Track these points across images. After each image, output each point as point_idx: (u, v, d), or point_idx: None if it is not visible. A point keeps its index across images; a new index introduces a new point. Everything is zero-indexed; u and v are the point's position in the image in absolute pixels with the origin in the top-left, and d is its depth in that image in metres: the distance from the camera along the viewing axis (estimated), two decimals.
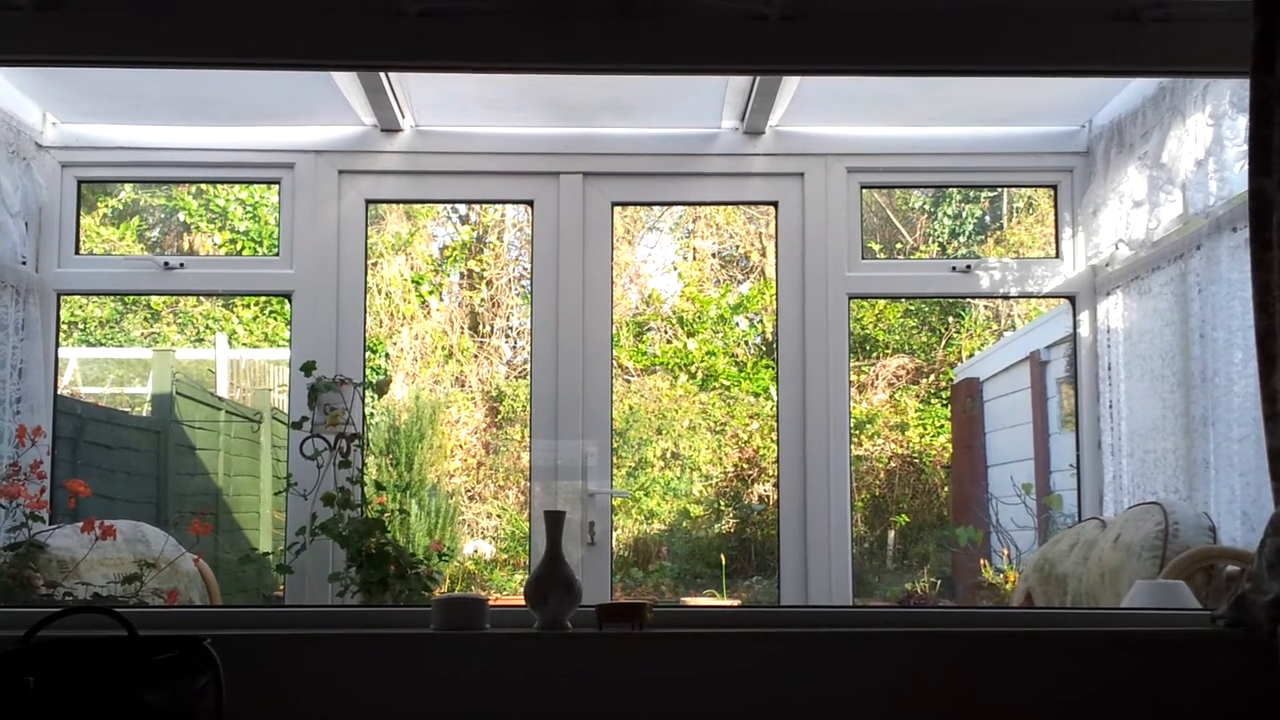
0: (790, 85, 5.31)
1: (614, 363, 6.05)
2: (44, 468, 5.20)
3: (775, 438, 5.96)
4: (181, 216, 10.01)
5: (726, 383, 9.96)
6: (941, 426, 9.71)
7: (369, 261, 6.03)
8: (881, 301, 9.82)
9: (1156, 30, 3.48)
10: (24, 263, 5.57)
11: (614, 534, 6.15)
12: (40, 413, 5.58)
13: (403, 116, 5.70)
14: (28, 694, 2.37)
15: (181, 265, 5.91)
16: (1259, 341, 3.17)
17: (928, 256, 10.18)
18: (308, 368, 5.54)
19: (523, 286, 10.23)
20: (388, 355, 9.82)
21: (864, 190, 6.00)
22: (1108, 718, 3.06)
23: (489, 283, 10.40)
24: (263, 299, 9.73)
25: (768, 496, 9.46)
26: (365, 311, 5.90)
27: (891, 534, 9.62)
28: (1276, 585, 3.05)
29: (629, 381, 9.99)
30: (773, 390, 8.96)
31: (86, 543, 4.88)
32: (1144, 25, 3.49)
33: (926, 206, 10.48)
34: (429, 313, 10.16)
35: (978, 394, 8.71)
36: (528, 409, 6.26)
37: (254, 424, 8.51)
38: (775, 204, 5.94)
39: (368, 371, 5.92)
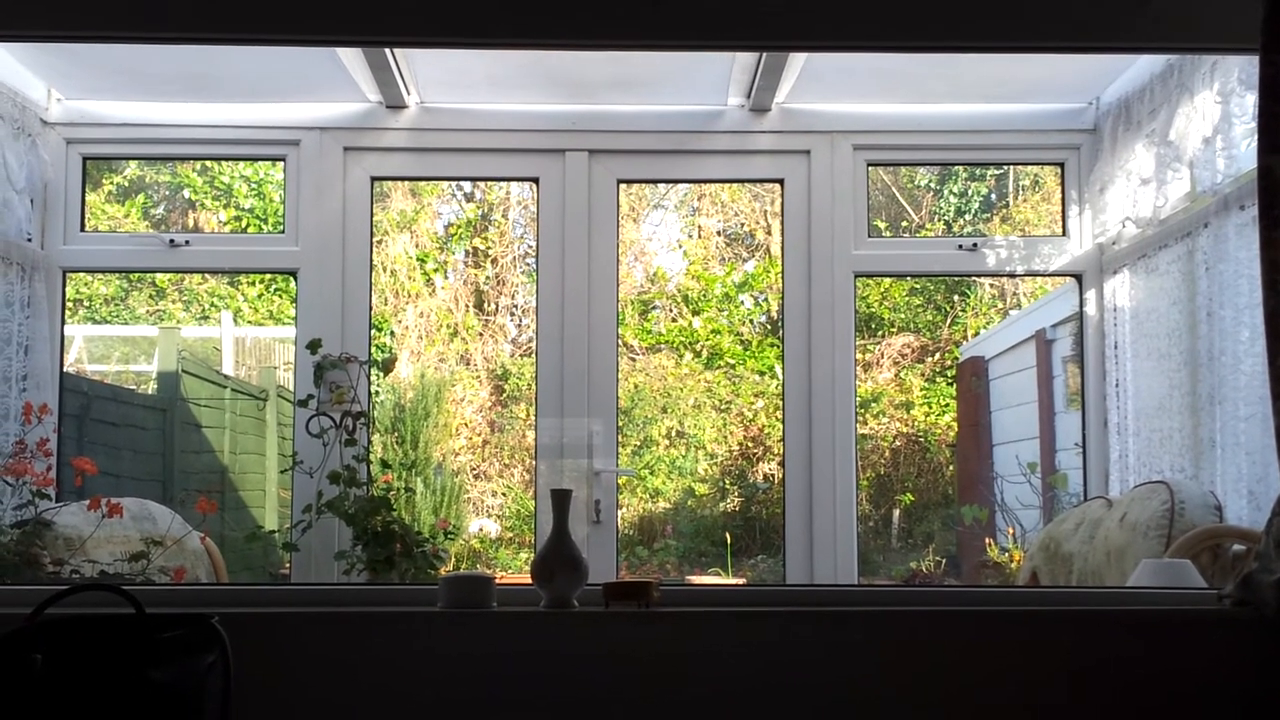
0: (796, 62, 5.30)
1: (619, 341, 6.05)
2: (50, 445, 5.21)
3: (780, 416, 5.96)
4: (186, 193, 10.00)
5: (731, 361, 9.96)
6: (947, 405, 9.70)
7: (374, 239, 6.03)
8: (887, 280, 9.81)
9: (1165, 6, 3.46)
10: (29, 240, 5.57)
11: (619, 512, 6.16)
12: (46, 390, 5.58)
13: (408, 93, 5.69)
14: (35, 671, 2.37)
15: (187, 243, 5.90)
16: (1267, 320, 3.16)
17: (934, 235, 10.16)
18: (313, 345, 5.54)
19: (528, 264, 10.22)
20: (393, 333, 9.82)
21: (870, 168, 5.98)
22: (1114, 697, 3.07)
23: (494, 260, 10.39)
24: (268, 276, 9.73)
25: (773, 475, 9.46)
26: (370, 289, 5.90)
27: (896, 513, 9.63)
28: None
29: (634, 360, 9.98)
30: (778, 369, 8.96)
31: (93, 520, 4.89)
32: (1152, 1, 3.47)
33: (932, 184, 10.46)
34: (434, 290, 10.15)
35: (983, 372, 8.70)
36: (533, 387, 6.26)
37: (259, 402, 8.52)
38: (781, 181, 5.93)
39: (373, 349, 5.92)
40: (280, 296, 9.86)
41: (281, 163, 5.97)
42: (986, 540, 7.42)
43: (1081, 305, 5.94)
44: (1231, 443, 4.65)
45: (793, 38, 3.71)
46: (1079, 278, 5.96)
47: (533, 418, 6.27)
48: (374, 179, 5.91)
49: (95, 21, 3.45)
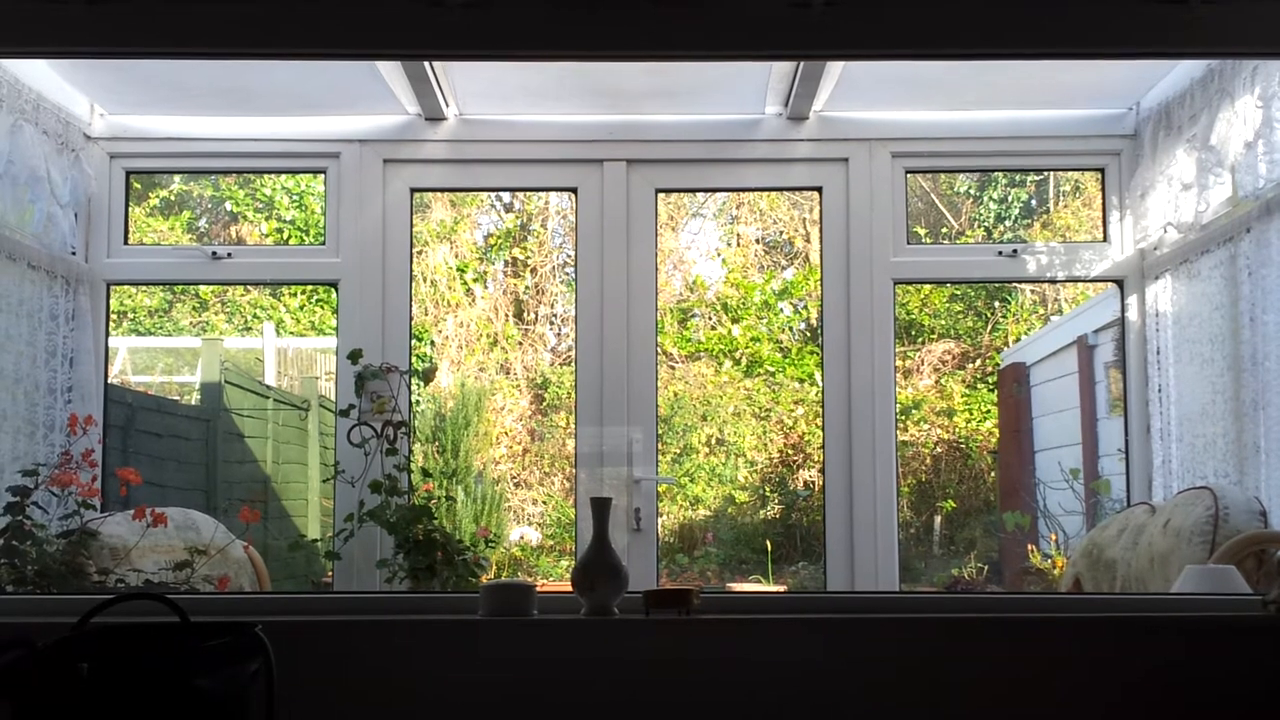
0: (834, 70, 5.30)
1: (658, 349, 6.05)
2: (95, 456, 5.25)
3: (820, 423, 5.96)
4: (229, 206, 10.08)
5: (771, 368, 9.95)
6: (988, 411, 9.66)
7: (414, 250, 6.06)
8: (927, 286, 9.78)
9: (1204, 11, 3.45)
10: (73, 253, 5.63)
11: (659, 520, 6.16)
12: (91, 402, 5.63)
13: (447, 105, 5.72)
14: (82, 680, 2.39)
15: (229, 255, 5.95)
16: None
17: (973, 241, 10.12)
18: (354, 356, 5.57)
19: (567, 274, 10.25)
20: (433, 343, 9.86)
21: (909, 175, 5.97)
22: (1157, 704, 3.05)
23: (533, 270, 10.42)
24: (309, 287, 9.79)
25: (813, 482, 9.45)
26: (411, 299, 5.92)
27: (938, 519, 9.59)
28: None
29: (674, 368, 9.99)
30: (818, 376, 8.94)
31: (138, 530, 4.93)
32: (1192, 7, 3.45)
33: (972, 191, 10.42)
34: (474, 300, 10.19)
35: (1024, 379, 8.66)
36: (573, 396, 6.27)
37: (301, 412, 8.57)
38: (819, 189, 5.92)
39: (413, 359, 5.94)
40: (321, 307, 9.92)
41: (322, 175, 6.01)
42: (1029, 547, 7.39)
43: (1123, 311, 5.91)
44: (1276, 448, 4.62)
45: (832, 46, 3.71)
46: (1120, 283, 5.93)
47: (573, 426, 6.28)
48: (413, 190, 5.94)
49: (138, 37, 3.48)
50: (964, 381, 9.96)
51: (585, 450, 5.82)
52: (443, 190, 8.86)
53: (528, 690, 3.03)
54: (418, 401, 8.62)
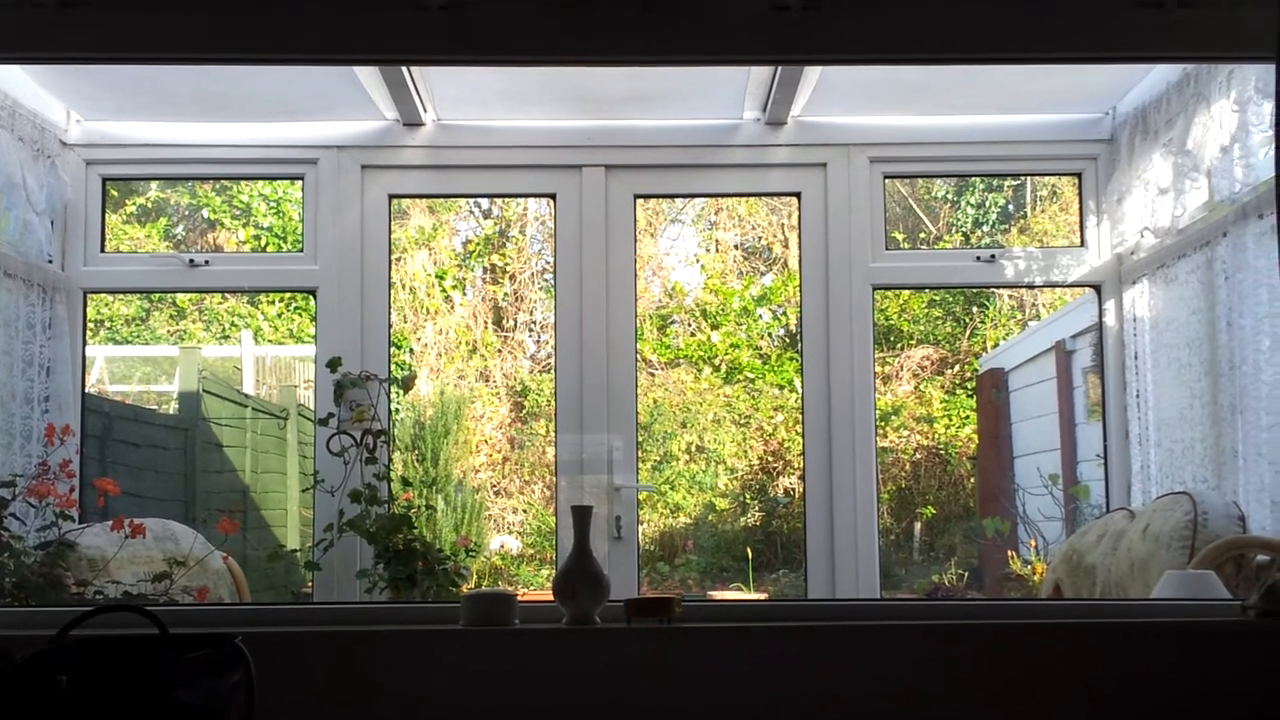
0: (812, 75, 5.30)
1: (638, 356, 6.04)
2: (73, 466, 5.22)
3: (800, 430, 5.96)
4: (205, 213, 10.04)
5: (751, 375, 9.96)
6: (967, 417, 9.68)
7: (392, 256, 6.04)
8: (906, 292, 9.80)
9: (1181, 16, 3.46)
10: (50, 261, 5.60)
11: (640, 528, 6.15)
12: (68, 411, 5.60)
13: (425, 110, 5.71)
14: (60, 693, 2.38)
15: (207, 262, 5.92)
16: None
17: (951, 246, 10.15)
18: (333, 364, 5.55)
19: (545, 280, 10.24)
20: (412, 351, 9.84)
21: (887, 180, 5.97)
22: (1138, 710, 3.05)
23: (512, 277, 10.41)
24: (287, 295, 9.76)
25: (793, 489, 9.46)
26: (389, 307, 5.91)
27: (918, 526, 9.61)
28: None
29: (653, 375, 9.99)
30: (797, 382, 8.95)
31: (116, 541, 4.90)
32: (1168, 11, 3.47)
33: (950, 196, 10.45)
34: (452, 307, 10.18)
35: (1003, 384, 8.68)
36: (552, 403, 6.25)
37: (280, 421, 8.54)
38: (798, 195, 5.92)
39: (392, 367, 5.93)
40: (300, 315, 9.90)
41: (300, 181, 5.99)
42: (1009, 553, 7.41)
43: (1101, 316, 5.92)
44: (1253, 453, 4.63)
45: (810, 51, 3.72)
46: (1098, 288, 5.94)
47: (552, 434, 6.27)
48: (392, 196, 5.93)
49: (113, 43, 3.47)
50: (943, 387, 9.98)
51: (565, 458, 5.81)
52: (421, 196, 8.83)
53: (510, 700, 3.02)
54: (397, 410, 8.60)
